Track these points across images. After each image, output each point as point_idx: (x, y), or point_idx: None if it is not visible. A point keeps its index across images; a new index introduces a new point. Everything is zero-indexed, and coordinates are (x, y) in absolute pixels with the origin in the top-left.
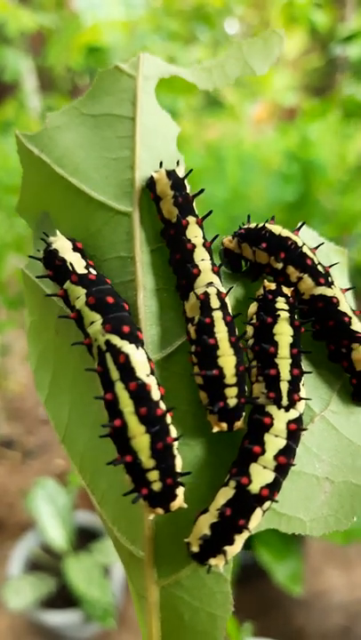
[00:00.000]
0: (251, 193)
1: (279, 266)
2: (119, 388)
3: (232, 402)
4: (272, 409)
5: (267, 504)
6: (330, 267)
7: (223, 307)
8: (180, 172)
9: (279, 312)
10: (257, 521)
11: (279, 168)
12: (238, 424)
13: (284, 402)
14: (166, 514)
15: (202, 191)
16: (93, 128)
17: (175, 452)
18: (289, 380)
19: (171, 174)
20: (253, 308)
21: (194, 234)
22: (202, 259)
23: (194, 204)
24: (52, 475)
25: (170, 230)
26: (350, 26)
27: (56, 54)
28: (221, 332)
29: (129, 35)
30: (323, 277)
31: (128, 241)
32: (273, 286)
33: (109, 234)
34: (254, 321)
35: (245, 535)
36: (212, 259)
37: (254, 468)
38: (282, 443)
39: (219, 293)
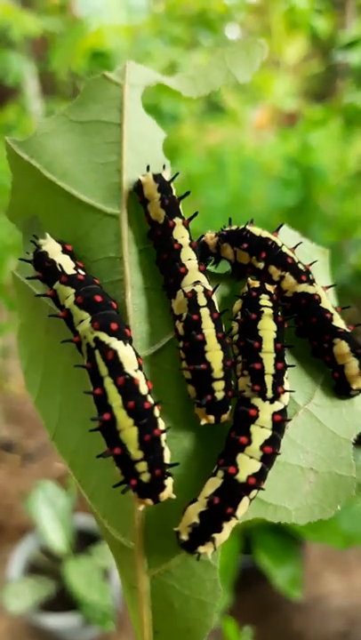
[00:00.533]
0: (251, 198)
1: (261, 265)
2: (108, 382)
3: (219, 395)
4: (257, 401)
5: (253, 492)
6: (310, 265)
7: (210, 304)
8: (167, 176)
9: (263, 308)
10: (244, 509)
11: (280, 173)
12: (225, 417)
13: (269, 394)
14: (155, 505)
15: (188, 194)
16: (82, 134)
17: (163, 443)
18: (273, 374)
19: (157, 178)
20: (238, 305)
21: (180, 234)
22: (188, 258)
23: (180, 207)
24: (51, 478)
25: (157, 231)
26: (351, 32)
27: (59, 59)
28: (209, 327)
29: (131, 39)
30: (304, 275)
31: (116, 242)
32: (257, 284)
33: (98, 235)
34: (239, 317)
35: (233, 523)
36: (198, 258)
37: (241, 458)
38: (267, 433)
39: (205, 291)
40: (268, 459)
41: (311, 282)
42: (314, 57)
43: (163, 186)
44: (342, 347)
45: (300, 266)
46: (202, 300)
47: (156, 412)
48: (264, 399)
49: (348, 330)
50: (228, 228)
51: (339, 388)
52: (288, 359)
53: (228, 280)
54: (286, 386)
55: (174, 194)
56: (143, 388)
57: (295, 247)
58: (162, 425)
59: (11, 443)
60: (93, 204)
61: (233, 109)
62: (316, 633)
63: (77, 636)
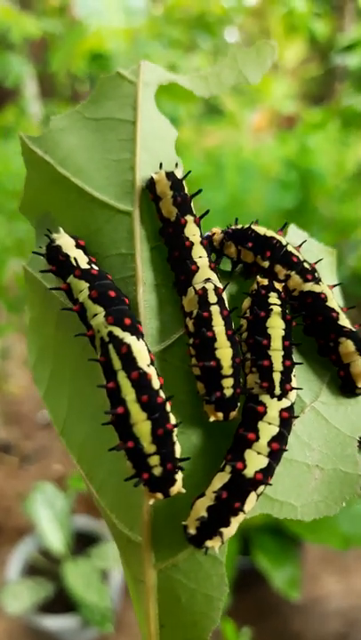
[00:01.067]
0: (249, 200)
1: (266, 264)
2: (121, 376)
3: (228, 392)
4: (265, 398)
5: (261, 488)
6: (316, 263)
7: (220, 301)
8: (179, 174)
9: (272, 306)
10: (252, 504)
11: (278, 175)
12: (234, 414)
13: (277, 391)
14: (164, 499)
15: (200, 191)
16: (95, 131)
17: (175, 438)
18: (281, 371)
19: (170, 175)
20: (247, 302)
21: (192, 232)
22: (200, 256)
23: (192, 204)
24: (49, 479)
25: (169, 229)
26: (349, 35)
27: (58, 61)
28: (219, 325)
29: (130, 42)
30: (310, 274)
31: (129, 239)
32: (266, 282)
33: (111, 232)
34: (248, 315)
35: (241, 518)
36: (209, 256)
37: (249, 454)
38: (275, 430)
39: (216, 289)
40: (275, 455)
41: (317, 281)
42: (312, 60)
43: (175, 183)
44: (348, 345)
45: (306, 265)
46: (212, 298)
47: (168, 406)
48: (272, 396)
49: (353, 329)
50: (233, 227)
51: (344, 386)
52: (295, 357)
53: (236, 278)
54: (294, 383)
55: (186, 192)
56: (156, 383)
57: (300, 246)
58: (173, 419)
59: (9, 444)
60: (106, 201)
61: (231, 112)
62: (315, 634)
63: (76, 638)
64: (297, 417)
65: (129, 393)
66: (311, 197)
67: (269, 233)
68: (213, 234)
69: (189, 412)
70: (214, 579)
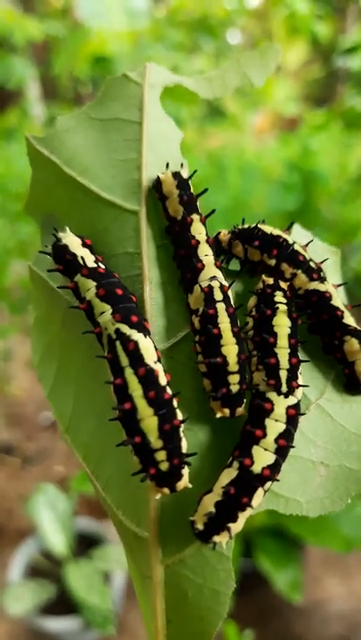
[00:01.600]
0: (252, 201)
1: (272, 262)
2: (128, 373)
3: (235, 388)
4: (272, 395)
5: (268, 484)
6: (321, 262)
7: (226, 299)
8: (185, 174)
9: (278, 305)
10: (259, 500)
11: (280, 177)
12: (240, 410)
13: (284, 388)
14: (170, 495)
15: (205, 191)
16: (102, 131)
17: (181, 434)
18: (288, 369)
19: (176, 175)
20: (253, 301)
21: (198, 231)
22: (205, 254)
23: (197, 204)
24: (51, 481)
25: (175, 227)
26: (352, 37)
27: (61, 63)
28: (224, 322)
29: (133, 44)
30: (315, 273)
31: (135, 237)
32: (271, 281)
33: (117, 231)
34: (254, 313)
35: (248, 513)
36: (214, 254)
37: (256, 450)
38: (282, 427)
39: (222, 286)
40: (282, 451)
41: (322, 279)
42: (314, 62)
43: (181, 183)
44: (353, 344)
45: (312, 264)
46: (218, 295)
47: (175, 402)
48: (279, 393)
49: (358, 327)
50: (240, 227)
51: (349, 384)
52: (301, 355)
53: (241, 276)
54: (300, 380)
55: (192, 191)
56: (162, 379)
57: (307, 245)
58: (180, 415)
59: (11, 446)
60: (113, 200)
61: (234, 114)
62: (317, 637)
63: None
64: (303, 414)
65: (136, 389)
66: (313, 199)
67: (276, 232)
68: (220, 233)
69: (196, 409)
70: (221, 574)
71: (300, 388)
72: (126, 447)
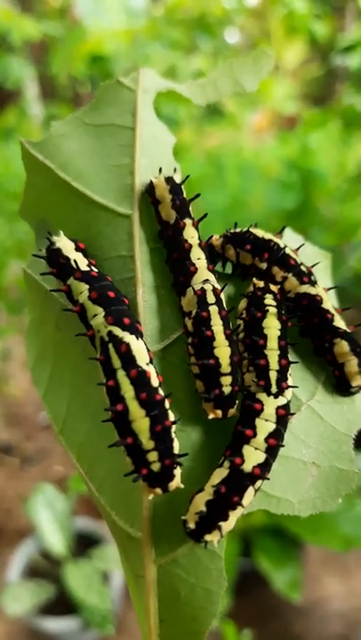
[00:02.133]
0: (250, 201)
1: (263, 266)
2: (121, 375)
3: (227, 390)
4: (262, 396)
5: (258, 483)
6: (312, 266)
7: (218, 302)
8: (178, 179)
9: (268, 307)
10: (250, 498)
11: (279, 176)
12: (232, 411)
13: (274, 389)
14: (163, 495)
15: (198, 196)
16: (96, 137)
17: (173, 434)
18: (277, 370)
19: (169, 180)
20: (244, 303)
21: (190, 235)
22: (198, 257)
23: (190, 208)
24: (50, 481)
25: (168, 231)
26: (350, 36)
27: (59, 63)
28: (217, 324)
29: (131, 43)
30: (306, 276)
31: (128, 241)
32: (262, 284)
33: (110, 234)
34: (245, 316)
35: (239, 512)
36: (207, 258)
37: (247, 450)
38: (272, 426)
39: (214, 289)
40: (272, 451)
41: (313, 283)
42: (313, 61)
43: (174, 188)
44: (343, 346)
45: (303, 267)
46: (211, 298)
47: (167, 404)
48: (269, 394)
49: (348, 330)
50: (231, 231)
51: (339, 385)
52: (291, 357)
53: (233, 280)
54: (290, 381)
55: (185, 196)
56: (154, 381)
57: (298, 249)
58: (172, 416)
59: (10, 446)
60: (106, 205)
61: (232, 113)
62: (316, 636)
63: None
64: (293, 414)
65: (128, 390)
66: (312, 198)
67: (267, 236)
68: (212, 237)
69: (189, 410)
70: (213, 573)
71: (290, 389)
72: (119, 448)
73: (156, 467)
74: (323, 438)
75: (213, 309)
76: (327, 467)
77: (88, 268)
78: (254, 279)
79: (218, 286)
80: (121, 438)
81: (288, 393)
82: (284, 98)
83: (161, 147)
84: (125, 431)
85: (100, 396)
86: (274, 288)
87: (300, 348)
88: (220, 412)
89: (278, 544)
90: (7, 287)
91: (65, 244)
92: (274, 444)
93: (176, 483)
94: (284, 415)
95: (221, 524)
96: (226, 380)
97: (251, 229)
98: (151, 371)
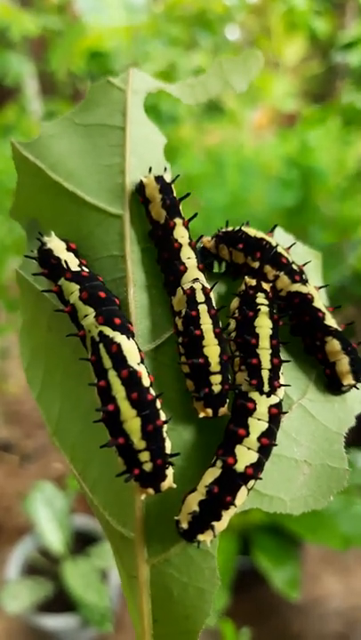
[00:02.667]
0: (250, 198)
1: (256, 265)
2: (112, 375)
3: (217, 388)
4: (255, 395)
5: (251, 482)
6: (303, 265)
7: (208, 301)
8: (168, 178)
9: (259, 306)
10: (242, 498)
11: (279, 174)
12: (223, 410)
13: (266, 388)
14: (156, 495)
15: (187, 195)
16: (86, 137)
17: (165, 434)
18: (269, 369)
19: (159, 179)
20: (235, 302)
21: (180, 234)
22: (188, 257)
23: (180, 207)
24: (49, 479)
25: (158, 231)
26: (350, 33)
27: (58, 59)
28: (206, 323)
29: (130, 40)
30: (298, 275)
31: (119, 241)
32: (254, 282)
33: (102, 234)
34: (237, 314)
35: (232, 512)
36: (197, 257)
37: (239, 449)
38: (264, 425)
39: (204, 288)
40: (265, 450)
41: (305, 282)
42: (313, 58)
43: (164, 187)
44: (334, 344)
45: (294, 266)
46: (200, 297)
47: (158, 403)
48: (261, 393)
49: (339, 329)
50: (224, 230)
51: (331, 384)
52: (283, 356)
53: (225, 278)
54: (282, 380)
55: (175, 195)
56: (146, 381)
57: (289, 248)
58: (163, 416)
59: (9, 443)
60: (97, 205)
61: (232, 110)
62: (315, 634)
63: (75, 637)
64: (285, 413)
65: (119, 391)
66: (312, 196)
67: (260, 235)
68: (202, 237)
69: (180, 410)
70: (206, 572)
71: (282, 388)
72: (111, 448)
73: (147, 467)
74: (314, 437)
75: (203, 308)
76: (319, 465)
77: (79, 269)
78: (246, 277)
79: (207, 285)
80: (112, 438)
81: (280, 392)
82: (284, 95)
83: (151, 146)
84: (117, 431)
85: (92, 397)
86: (266, 286)
87: (292, 346)
88: (210, 411)
89: (277, 542)
90: (6, 284)
91: (56, 245)
92: (267, 443)
93: (168, 483)
94: (276, 414)
95: (214, 523)
96: (215, 379)
97: (243, 228)
98: (142, 371)
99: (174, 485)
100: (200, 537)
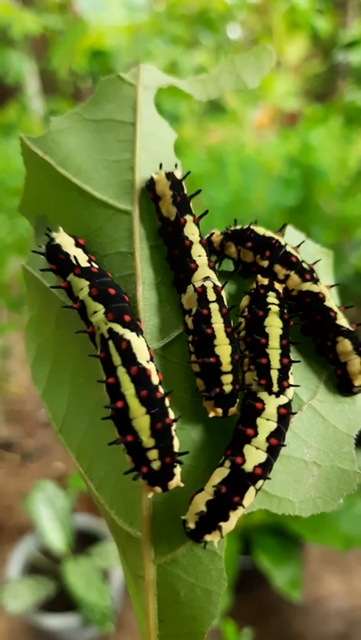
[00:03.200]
0: (252, 197)
1: (265, 264)
2: (121, 372)
3: (228, 388)
4: (263, 395)
5: (260, 483)
6: (313, 264)
7: (219, 299)
8: (178, 174)
9: (270, 306)
10: (251, 499)
11: (280, 173)
12: (233, 410)
13: (275, 388)
14: (163, 494)
15: (199, 192)
16: (95, 132)
17: (173, 432)
18: (279, 369)
19: (170, 176)
20: (246, 301)
21: (191, 231)
22: (199, 255)
23: (191, 204)
24: (50, 478)
25: (168, 228)
26: (352, 32)
27: (59, 57)
28: (218, 322)
29: (132, 38)
30: (308, 274)
31: (128, 237)
32: (265, 281)
33: (111, 231)
34: (246, 314)
35: (240, 512)
36: (207, 255)
37: (248, 449)
38: (273, 426)
39: (215, 287)
40: (273, 450)
41: (315, 281)
42: (315, 57)
43: (175, 184)
44: (345, 345)
45: (305, 265)
46: (211, 296)
47: (167, 401)
48: (270, 393)
49: (351, 328)
50: (232, 228)
51: (342, 384)
52: (293, 356)
53: (235, 277)
54: (291, 380)
55: (185, 192)
56: (155, 379)
57: (298, 246)
58: (172, 414)
59: (10, 442)
60: (106, 201)
61: (234, 109)
62: (316, 634)
63: (76, 637)
64: (295, 413)
65: (128, 388)
66: (314, 195)
67: (268, 233)
68: (213, 234)
69: (189, 409)
70: (213, 573)
71: (292, 388)
72: (119, 446)
73: (156, 465)
74: (324, 438)
75: (214, 307)
76: (328, 466)
77: (88, 265)
78: (258, 276)
79: (219, 284)
80: (121, 436)
81: (289, 392)
82: (286, 94)
83: (161, 142)
84: (125, 429)
85: (100, 394)
86: (278, 286)
87: (302, 346)
88: (220, 411)
89: (279, 542)
90: (8, 284)
91: (64, 240)
92: (275, 443)
93: (176, 481)
94: (285, 414)
95: (222, 524)
96: (226, 379)
97: (251, 227)
98: (152, 368)
99: (182, 484)
100: (207, 537)
